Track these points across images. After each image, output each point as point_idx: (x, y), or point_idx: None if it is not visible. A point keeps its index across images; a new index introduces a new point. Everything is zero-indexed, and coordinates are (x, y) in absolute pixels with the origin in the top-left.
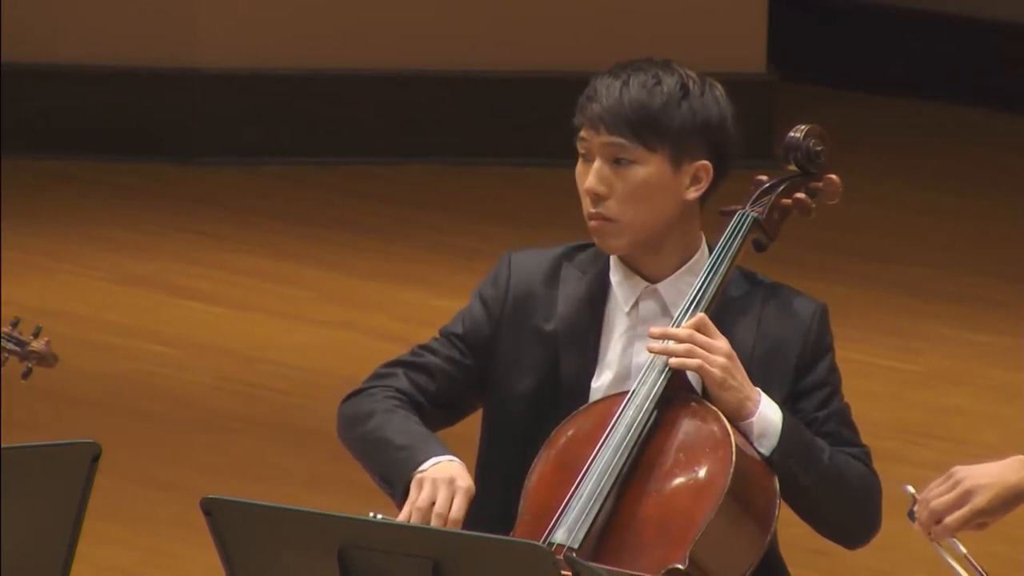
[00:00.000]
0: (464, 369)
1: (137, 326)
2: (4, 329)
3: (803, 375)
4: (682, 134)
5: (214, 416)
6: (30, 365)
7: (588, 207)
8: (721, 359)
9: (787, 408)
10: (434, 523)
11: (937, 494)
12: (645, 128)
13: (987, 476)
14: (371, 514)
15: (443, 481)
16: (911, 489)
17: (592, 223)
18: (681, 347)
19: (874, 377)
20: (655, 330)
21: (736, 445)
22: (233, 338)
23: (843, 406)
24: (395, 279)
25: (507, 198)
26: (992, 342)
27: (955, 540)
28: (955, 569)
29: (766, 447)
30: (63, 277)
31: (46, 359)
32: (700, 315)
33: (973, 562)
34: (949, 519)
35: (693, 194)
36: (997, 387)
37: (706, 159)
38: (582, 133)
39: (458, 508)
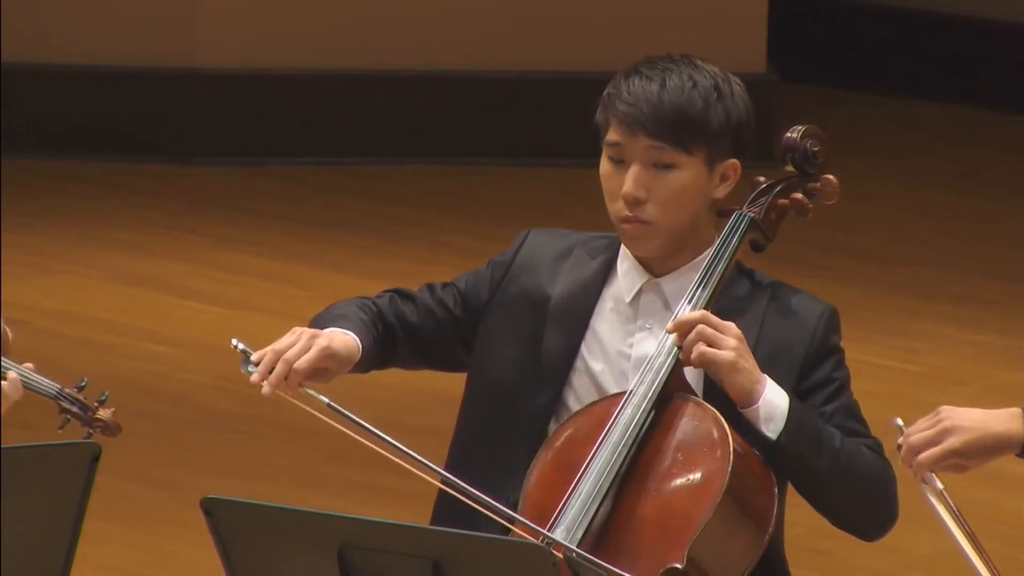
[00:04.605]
0: (450, 317)
1: (137, 326)
2: (68, 390)
3: (807, 375)
4: (718, 135)
5: (214, 416)
6: (92, 432)
7: (622, 211)
8: (732, 341)
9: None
10: (279, 367)
11: (918, 429)
12: (687, 132)
13: (971, 420)
14: (233, 342)
15: (306, 334)
16: (899, 422)
17: (626, 226)
18: (692, 329)
19: (874, 377)
20: (671, 326)
21: (734, 444)
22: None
23: (851, 401)
24: (395, 279)
25: (507, 198)
26: (992, 342)
27: (933, 476)
28: (933, 505)
29: (773, 431)
30: (63, 277)
31: (110, 429)
32: (702, 311)
33: (948, 499)
34: (923, 455)
35: (722, 192)
36: (997, 387)
37: (734, 156)
38: (615, 137)
39: (305, 359)
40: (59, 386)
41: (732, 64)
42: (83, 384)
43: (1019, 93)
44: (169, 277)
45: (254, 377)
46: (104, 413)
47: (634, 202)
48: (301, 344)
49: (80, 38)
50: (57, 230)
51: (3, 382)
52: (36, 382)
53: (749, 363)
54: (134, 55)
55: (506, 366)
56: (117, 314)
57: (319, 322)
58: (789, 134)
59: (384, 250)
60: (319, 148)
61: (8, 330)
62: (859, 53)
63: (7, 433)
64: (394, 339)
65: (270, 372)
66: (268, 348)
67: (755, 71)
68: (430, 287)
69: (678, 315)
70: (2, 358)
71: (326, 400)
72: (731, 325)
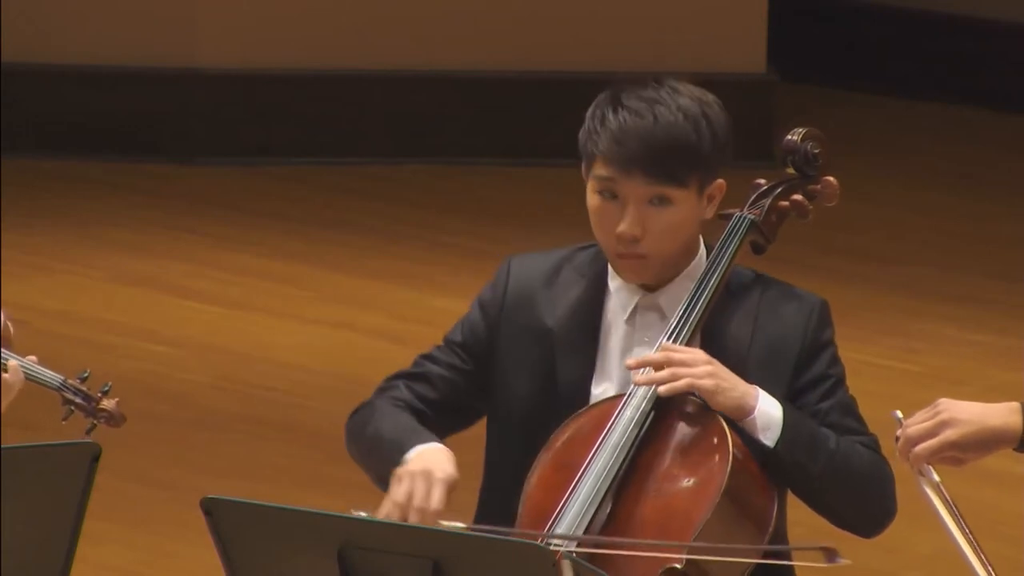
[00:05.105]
0: (465, 375)
1: (137, 326)
2: (72, 381)
3: (803, 371)
4: (708, 162)
5: (214, 416)
6: (96, 422)
7: (618, 247)
8: (703, 368)
9: (789, 402)
10: (412, 518)
11: (916, 421)
12: (682, 167)
13: (969, 413)
14: (352, 512)
15: (420, 474)
16: (899, 414)
17: (624, 261)
18: (664, 373)
19: (874, 377)
20: (631, 361)
21: (733, 445)
22: (233, 338)
23: (848, 398)
24: (395, 279)
25: (507, 198)
26: (992, 342)
27: (930, 468)
28: (928, 498)
29: (770, 439)
30: (63, 277)
31: (115, 419)
32: (664, 348)
33: (944, 492)
34: (919, 447)
35: (710, 213)
36: (997, 387)
37: (719, 176)
38: (607, 173)
39: (436, 500)
40: (62, 377)
41: (732, 64)
42: (86, 375)
43: (1019, 93)
44: (169, 277)
45: None
46: (108, 403)
47: (632, 240)
48: (421, 487)
49: (80, 38)
50: (57, 230)
51: (5, 373)
52: (39, 374)
53: (729, 381)
54: (134, 55)
55: (524, 403)
56: (117, 314)
57: (380, 445)
58: (789, 136)
59: (384, 250)
60: (319, 148)
61: (10, 324)
62: (859, 53)
63: (7, 433)
64: (428, 424)
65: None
66: (389, 504)
67: (755, 71)
68: (430, 358)
69: (670, 329)
70: (4, 350)
71: (463, 525)
72: (697, 352)
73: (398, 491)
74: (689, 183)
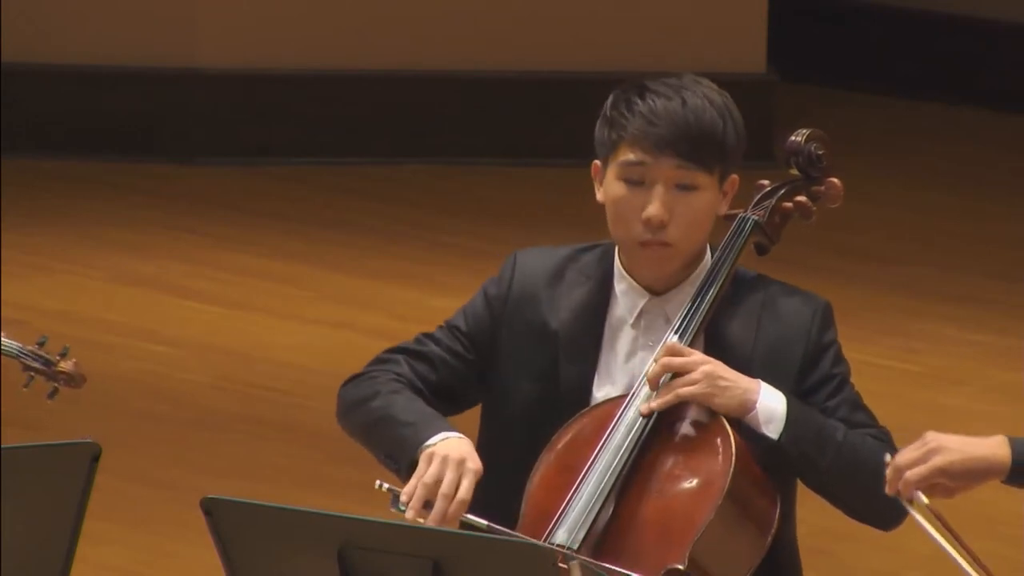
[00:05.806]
0: (466, 363)
1: (137, 326)
2: (29, 347)
3: (808, 373)
4: (732, 154)
5: (214, 416)
6: (57, 386)
7: (642, 235)
8: (700, 372)
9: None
10: (439, 504)
11: (905, 452)
12: (711, 152)
13: (956, 443)
14: (378, 483)
15: (453, 461)
16: (888, 457)
17: (646, 251)
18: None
19: (874, 377)
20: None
21: (736, 446)
22: (233, 338)
23: (854, 394)
24: (395, 279)
25: (507, 198)
26: (992, 342)
27: (919, 493)
28: (921, 524)
29: (774, 432)
30: (63, 277)
31: (75, 380)
32: (668, 345)
33: (935, 513)
34: (909, 473)
35: (724, 209)
36: (997, 387)
37: (734, 172)
38: (636, 157)
39: (465, 489)
40: (20, 344)
41: (732, 64)
42: (43, 341)
43: (1019, 93)
44: (169, 277)
45: (409, 515)
46: (66, 365)
47: (659, 225)
48: (452, 475)
49: (80, 38)
50: (57, 230)
51: None
52: None
53: (729, 379)
54: (134, 55)
55: (525, 402)
56: (117, 314)
57: (390, 422)
58: (793, 137)
59: (384, 250)
60: (319, 148)
61: None
62: (859, 53)
63: (7, 433)
64: (428, 403)
65: (423, 508)
66: (416, 483)
67: (755, 71)
68: (432, 338)
69: (672, 330)
70: None
71: (486, 523)
72: (694, 358)
73: (429, 472)
74: (714, 170)
